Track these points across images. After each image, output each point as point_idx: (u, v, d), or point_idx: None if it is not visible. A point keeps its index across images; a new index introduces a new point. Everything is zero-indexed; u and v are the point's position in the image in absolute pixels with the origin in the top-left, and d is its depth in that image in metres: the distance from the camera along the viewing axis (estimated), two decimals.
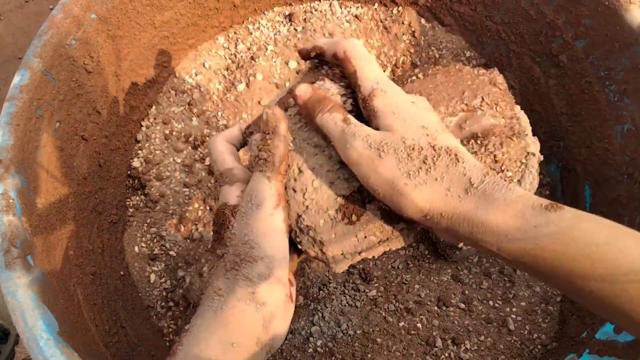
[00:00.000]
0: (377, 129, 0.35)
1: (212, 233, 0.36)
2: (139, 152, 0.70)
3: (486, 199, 0.31)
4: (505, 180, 0.33)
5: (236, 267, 0.33)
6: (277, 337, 0.34)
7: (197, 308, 0.34)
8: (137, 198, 0.69)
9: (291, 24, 0.77)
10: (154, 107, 0.74)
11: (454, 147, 0.33)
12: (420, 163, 0.32)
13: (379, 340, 0.59)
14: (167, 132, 0.72)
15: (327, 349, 0.58)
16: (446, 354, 0.58)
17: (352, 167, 0.34)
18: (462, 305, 0.62)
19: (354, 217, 0.36)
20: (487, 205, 0.31)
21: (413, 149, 0.32)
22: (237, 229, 0.34)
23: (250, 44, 0.78)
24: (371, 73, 0.36)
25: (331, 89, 0.38)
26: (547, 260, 0.29)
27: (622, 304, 0.29)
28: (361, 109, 0.37)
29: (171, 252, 0.66)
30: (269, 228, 0.33)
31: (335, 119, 0.35)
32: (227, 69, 0.77)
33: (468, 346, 0.58)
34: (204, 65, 0.77)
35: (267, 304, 0.33)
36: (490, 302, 0.62)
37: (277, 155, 0.35)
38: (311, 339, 0.59)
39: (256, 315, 0.32)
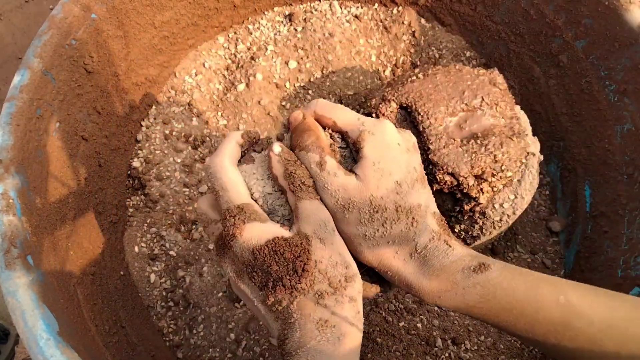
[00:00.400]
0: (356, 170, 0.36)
1: (277, 268, 0.32)
2: (139, 152, 0.70)
3: (425, 264, 0.34)
4: (448, 244, 0.35)
5: (336, 293, 0.32)
6: None
7: (295, 341, 0.31)
8: (137, 198, 0.69)
9: (291, 24, 0.77)
10: (154, 107, 0.74)
11: (416, 205, 0.35)
12: (379, 225, 0.34)
13: (379, 340, 0.59)
14: (167, 132, 0.72)
15: None
16: (446, 354, 0.58)
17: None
18: None
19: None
20: (424, 270, 0.34)
21: (377, 210, 0.33)
22: (322, 257, 0.32)
23: (250, 44, 0.78)
24: (350, 115, 0.37)
25: None
26: (478, 315, 0.34)
27: (547, 350, 0.32)
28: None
29: (171, 252, 0.66)
30: (346, 248, 0.35)
31: (310, 161, 0.34)
32: (227, 69, 0.77)
33: (468, 346, 0.58)
34: (204, 65, 0.77)
35: (363, 319, 0.34)
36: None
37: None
38: None
39: (361, 333, 0.33)
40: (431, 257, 0.34)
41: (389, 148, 0.35)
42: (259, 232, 0.32)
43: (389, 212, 0.33)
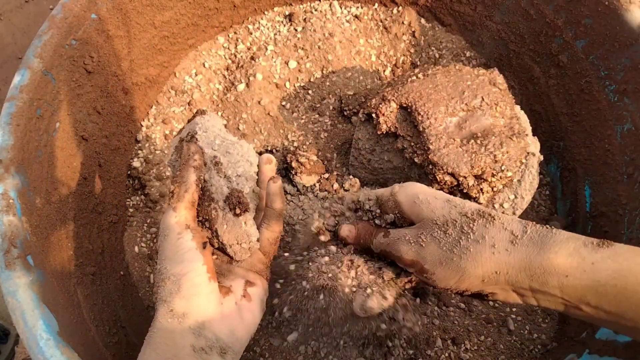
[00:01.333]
0: (411, 223, 0.38)
1: None
2: (139, 152, 0.70)
3: (535, 245, 0.31)
4: (547, 227, 0.33)
5: (155, 296, 0.36)
6: (221, 338, 0.36)
7: None
8: (137, 198, 0.69)
9: (291, 24, 0.77)
10: (154, 107, 0.74)
11: (483, 209, 0.35)
12: (458, 234, 0.34)
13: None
14: (167, 132, 0.72)
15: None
16: (446, 354, 0.57)
17: (409, 268, 0.38)
18: (462, 305, 0.62)
19: None
20: (538, 250, 0.31)
21: (447, 224, 0.34)
22: (157, 265, 0.38)
23: (250, 44, 0.78)
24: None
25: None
26: (609, 296, 0.29)
27: None
28: (395, 219, 0.41)
29: None
30: (176, 251, 0.37)
31: (378, 239, 0.41)
32: (227, 69, 0.77)
33: (468, 346, 0.58)
34: (204, 65, 0.77)
35: (188, 314, 0.35)
36: (490, 302, 0.62)
37: (184, 185, 0.38)
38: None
39: (181, 327, 0.35)
40: (539, 237, 0.32)
41: (419, 187, 0.41)
42: None
43: (459, 220, 0.35)
